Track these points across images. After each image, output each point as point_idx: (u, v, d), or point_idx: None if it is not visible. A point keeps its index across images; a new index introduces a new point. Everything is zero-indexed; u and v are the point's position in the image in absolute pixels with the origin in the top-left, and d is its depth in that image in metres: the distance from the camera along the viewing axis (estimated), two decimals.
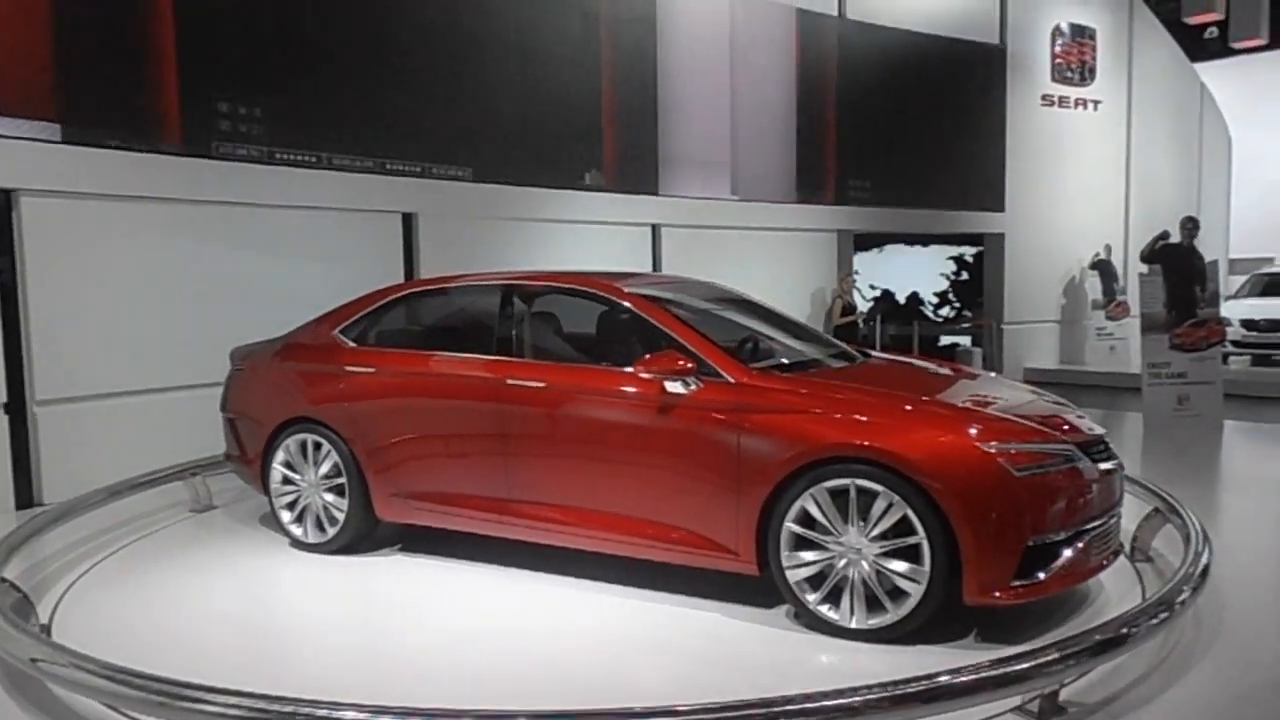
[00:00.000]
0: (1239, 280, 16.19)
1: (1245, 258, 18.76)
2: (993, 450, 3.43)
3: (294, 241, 7.43)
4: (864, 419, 3.60)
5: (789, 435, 3.63)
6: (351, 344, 4.97)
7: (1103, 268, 14.88)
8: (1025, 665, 2.77)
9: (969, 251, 13.49)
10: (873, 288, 12.88)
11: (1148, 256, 8.56)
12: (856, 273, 12.38)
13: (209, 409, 5.59)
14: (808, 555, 3.59)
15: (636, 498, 4.00)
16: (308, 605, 4.35)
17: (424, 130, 8.15)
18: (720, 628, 3.74)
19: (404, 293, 5.25)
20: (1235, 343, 13.50)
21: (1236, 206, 19.22)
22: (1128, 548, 4.44)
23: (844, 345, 4.81)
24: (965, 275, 13.50)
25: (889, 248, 12.89)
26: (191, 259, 6.86)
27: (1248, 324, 13.63)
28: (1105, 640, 2.95)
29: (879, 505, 3.45)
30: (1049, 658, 2.79)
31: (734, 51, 10.71)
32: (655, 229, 10.04)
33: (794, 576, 3.62)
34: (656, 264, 10.02)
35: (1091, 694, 3.02)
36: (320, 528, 4.82)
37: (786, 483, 3.60)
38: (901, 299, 13.18)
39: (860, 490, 3.47)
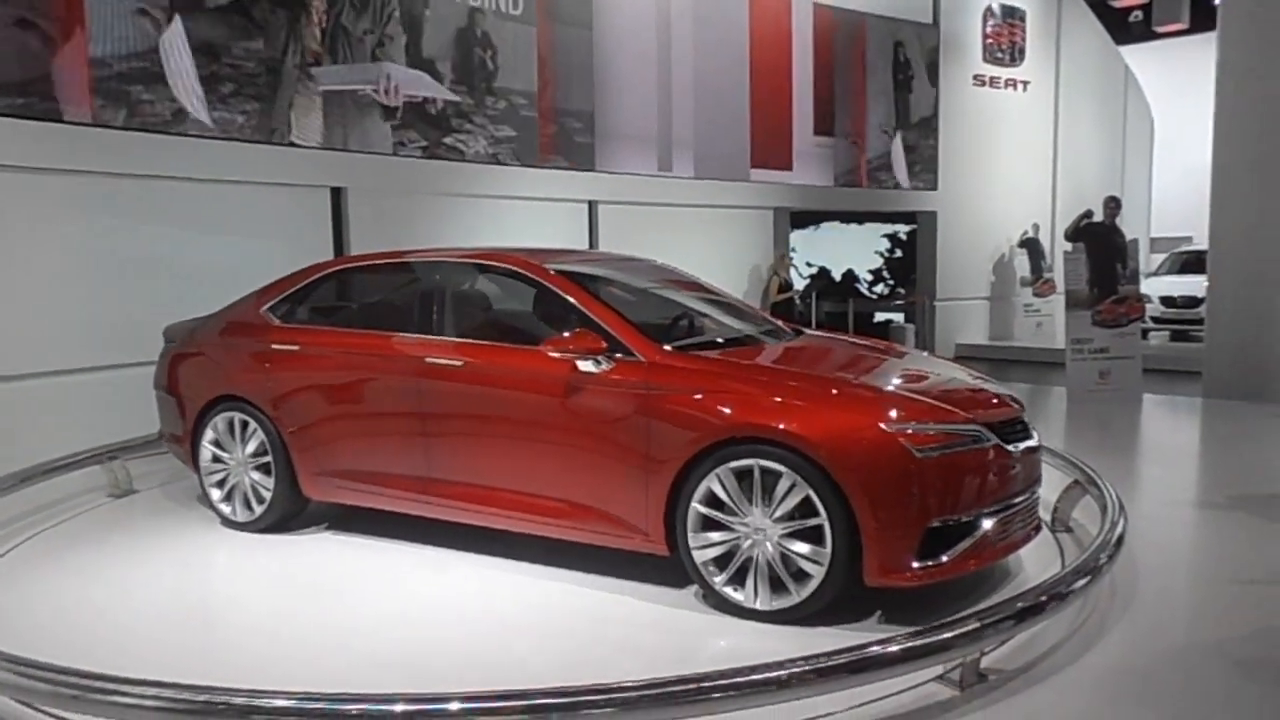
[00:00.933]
0: (1160, 258, 16.74)
1: (1166, 236, 19.40)
2: (894, 430, 3.38)
3: (215, 217, 7.20)
4: (769, 399, 3.55)
5: (695, 415, 3.59)
6: (278, 321, 4.90)
7: (1031, 246, 15.24)
8: (949, 634, 2.83)
9: (903, 229, 13.69)
10: (809, 265, 13.00)
11: (1072, 235, 8.77)
12: (793, 250, 12.48)
13: (129, 389, 5.41)
14: (714, 536, 3.55)
15: (550, 478, 3.97)
16: (228, 590, 4.25)
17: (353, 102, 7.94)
18: (622, 609, 3.68)
19: (331, 269, 5.16)
20: (1155, 319, 13.98)
21: (1158, 187, 19.84)
22: (1048, 519, 4.58)
23: (776, 322, 4.80)
24: (899, 253, 13.69)
25: (825, 225, 13.00)
26: (110, 235, 6.61)
27: (1166, 301, 14.11)
28: (1026, 608, 3.03)
29: (782, 486, 3.41)
30: (971, 626, 2.86)
31: (674, 26, 10.65)
32: (592, 205, 9.97)
33: (700, 557, 3.58)
34: (594, 241, 9.97)
35: (1011, 661, 3.10)
36: (248, 506, 4.78)
37: (693, 463, 3.56)
38: (837, 276, 13.32)
39: (764, 471, 3.44)
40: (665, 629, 3.53)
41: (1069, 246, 8.76)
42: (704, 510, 3.55)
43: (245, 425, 4.77)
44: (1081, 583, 3.25)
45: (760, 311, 4.94)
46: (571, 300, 4.11)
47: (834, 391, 3.68)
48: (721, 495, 3.52)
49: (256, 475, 4.74)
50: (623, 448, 3.74)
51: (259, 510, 4.75)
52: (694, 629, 3.53)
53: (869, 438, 3.37)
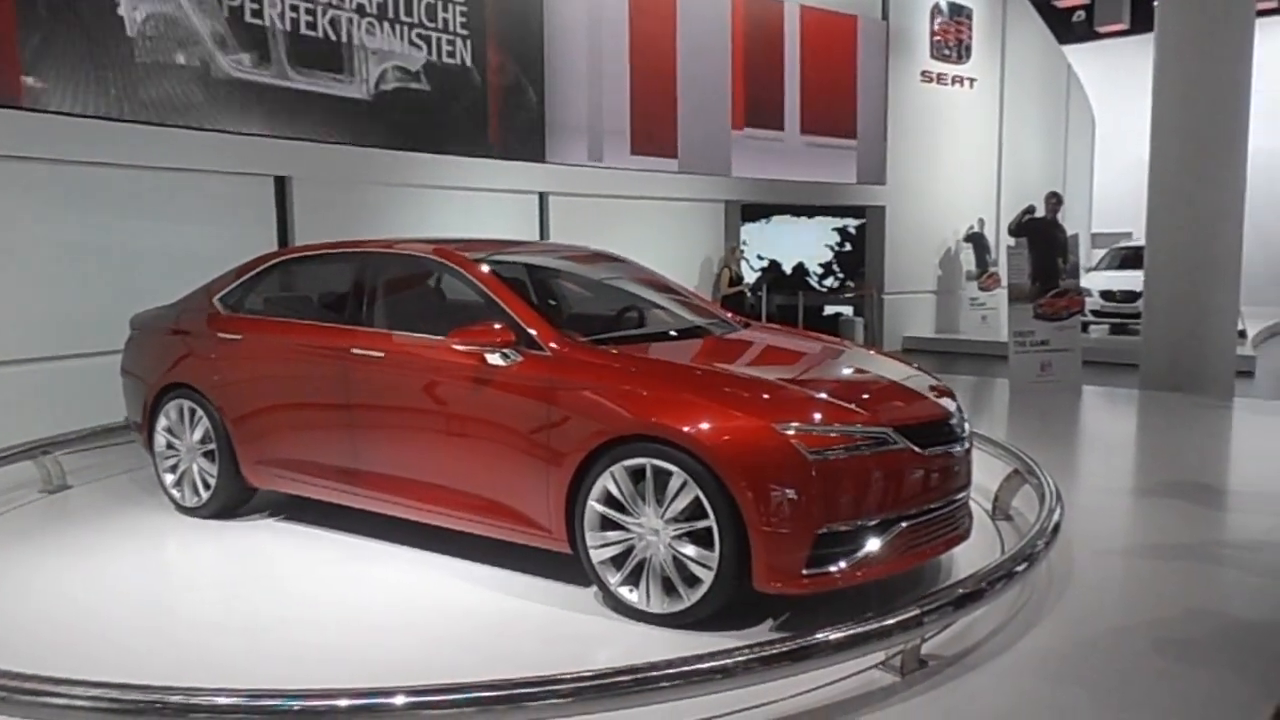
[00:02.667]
0: (1100, 254, 17.17)
1: (1106, 232, 19.90)
2: (786, 431, 3.24)
3: (154, 205, 7.04)
4: (665, 396, 3.44)
5: (591, 412, 3.53)
6: (225, 311, 4.95)
7: (976, 240, 15.52)
8: (890, 621, 2.87)
9: (852, 223, 13.84)
10: (760, 258, 13.09)
11: (1015, 230, 8.95)
12: (744, 243, 12.56)
13: (62, 382, 5.27)
14: (611, 535, 3.48)
15: (463, 472, 3.95)
16: (161, 586, 4.15)
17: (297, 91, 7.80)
18: (515, 610, 3.62)
19: (275, 260, 5.18)
20: (1095, 312, 14.32)
21: (1099, 183, 20.33)
22: (989, 507, 4.68)
23: (725, 315, 4.79)
24: (848, 246, 13.85)
25: (775, 219, 13.10)
26: (42, 222, 6.42)
27: (1106, 295, 14.47)
28: (965, 595, 3.09)
29: (673, 486, 3.31)
30: (912, 613, 2.91)
31: (627, 18, 10.62)
32: (543, 197, 9.93)
33: (597, 556, 3.51)
34: (544, 232, 9.94)
35: (951, 647, 3.17)
36: (196, 492, 4.86)
37: (589, 461, 3.49)
38: (788, 269, 13.45)
39: (657, 470, 3.34)
40: (547, 635, 3.41)
41: (1012, 241, 8.93)
42: (601, 509, 3.47)
43: (193, 413, 4.84)
44: (1019, 569, 3.33)
45: (712, 304, 4.94)
46: (487, 291, 4.05)
47: (730, 389, 3.53)
48: (616, 494, 3.43)
49: (203, 462, 4.81)
50: (527, 443, 3.68)
51: (205, 496, 4.81)
52: (577, 634, 3.40)
53: (758, 438, 3.24)
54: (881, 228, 14.13)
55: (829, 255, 13.77)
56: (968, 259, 15.64)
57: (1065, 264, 8.71)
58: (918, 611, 2.92)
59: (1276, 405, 8.84)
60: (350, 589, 3.94)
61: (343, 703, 2.46)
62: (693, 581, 3.31)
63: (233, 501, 4.83)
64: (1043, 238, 8.78)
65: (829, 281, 13.80)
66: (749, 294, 12.25)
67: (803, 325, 12.36)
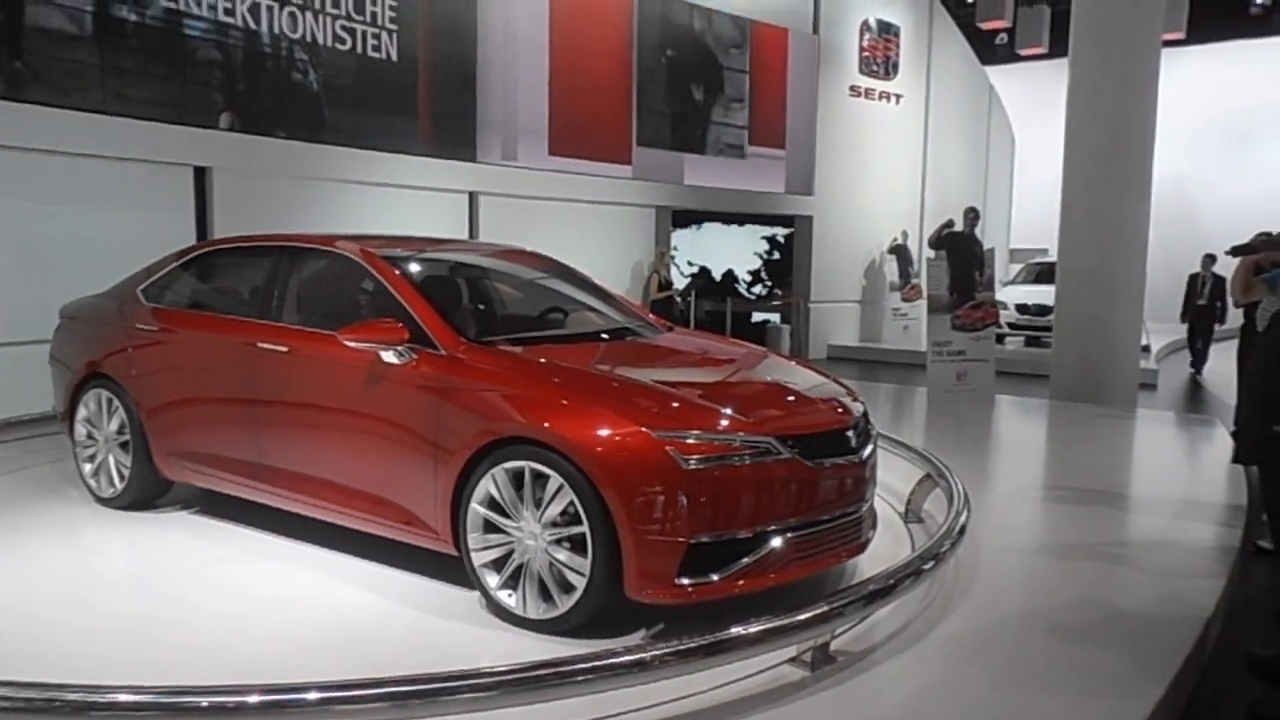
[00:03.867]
0: (1017, 268, 17.78)
1: (1024, 248, 20.61)
2: (661, 438, 3.18)
3: (67, 193, 6.81)
4: (547, 399, 3.41)
5: (475, 413, 3.49)
6: (146, 303, 4.92)
7: (899, 252, 15.95)
8: (803, 616, 2.95)
9: (781, 232, 14.09)
10: (690, 264, 13.24)
11: (935, 243, 9.22)
12: (675, 249, 12.69)
13: None
14: (493, 538, 3.44)
15: (357, 470, 3.90)
16: (44, 580, 3.98)
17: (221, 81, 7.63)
18: (388, 611, 3.58)
19: (196, 252, 5.12)
20: (1011, 325, 14.81)
21: (1018, 201, 21.07)
22: (902, 510, 4.83)
23: (648, 319, 4.78)
24: (777, 255, 14.10)
25: (706, 226, 13.27)
26: None
27: (1021, 308, 14.98)
28: (874, 591, 3.19)
29: (550, 490, 3.27)
30: (822, 609, 2.99)
31: (556, 20, 10.64)
32: (473, 196, 9.88)
33: (479, 560, 3.47)
34: (474, 232, 9.89)
35: (860, 643, 3.27)
36: (112, 483, 4.84)
37: (474, 462, 3.45)
38: (717, 276, 13.63)
39: (536, 474, 3.31)
40: (410, 642, 3.35)
41: (932, 254, 9.20)
42: (483, 511, 3.44)
43: (111, 403, 4.82)
44: (926, 567, 3.45)
45: (636, 308, 4.96)
46: (387, 287, 4.00)
47: (613, 394, 3.49)
48: (497, 497, 3.41)
49: (119, 453, 4.79)
50: (418, 443, 3.64)
51: (120, 487, 4.79)
52: (439, 642, 3.32)
53: (633, 444, 3.18)
54: (809, 237, 14.42)
55: (758, 263, 14.01)
56: (891, 270, 16.06)
57: (982, 277, 9.01)
58: (827, 608, 3.00)
59: (1176, 416, 9.29)
60: (229, 587, 3.87)
61: (253, 699, 2.42)
62: (568, 588, 3.26)
63: (148, 493, 4.80)
64: (961, 251, 9.07)
65: (757, 289, 14.03)
66: (678, 299, 12.37)
67: (730, 332, 12.53)
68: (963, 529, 3.83)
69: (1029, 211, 20.99)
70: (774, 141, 13.78)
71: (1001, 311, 13.10)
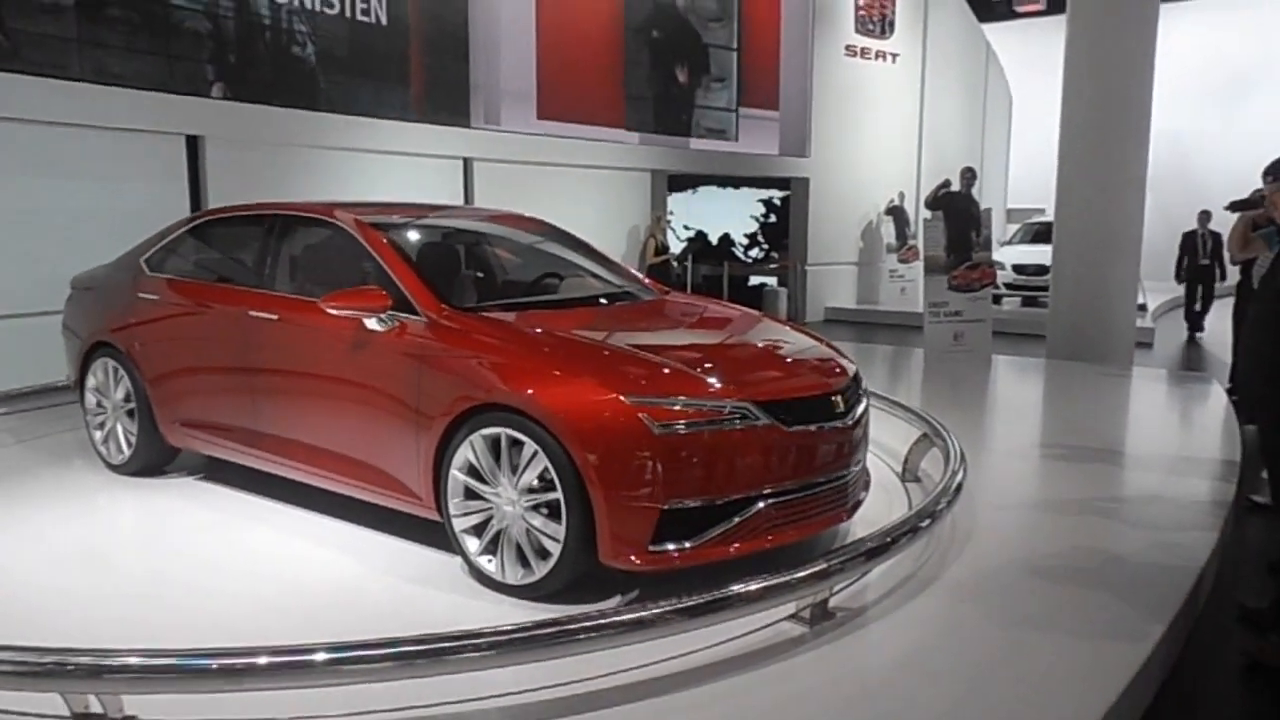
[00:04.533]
0: (1014, 228, 17.73)
1: (1021, 208, 20.53)
2: (634, 403, 3.16)
3: (60, 164, 6.77)
4: (525, 366, 3.40)
5: (454, 380, 3.50)
6: (150, 271, 4.96)
7: (896, 214, 15.90)
8: (802, 574, 3.00)
9: (777, 195, 14.04)
10: (686, 228, 13.20)
11: (931, 203, 9.20)
12: (671, 213, 12.64)
13: None
14: (473, 504, 3.45)
15: (345, 436, 3.94)
16: (57, 552, 4.01)
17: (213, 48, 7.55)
18: (365, 577, 3.61)
19: (195, 221, 5.16)
20: (1008, 285, 14.81)
21: (1015, 160, 20.94)
22: (899, 469, 4.87)
23: (643, 284, 4.76)
24: (773, 218, 14.06)
25: (703, 189, 13.21)
26: None
27: (1018, 268, 14.98)
28: (872, 549, 3.23)
29: (525, 456, 3.28)
30: (821, 567, 3.04)
31: None
32: (467, 162, 9.82)
33: (460, 525, 3.48)
34: (469, 198, 9.85)
35: (860, 599, 3.32)
36: (120, 450, 4.92)
37: (454, 428, 3.46)
38: (714, 240, 13.59)
39: (512, 441, 3.30)
40: (384, 609, 3.34)
41: (929, 215, 9.19)
42: (463, 478, 3.45)
43: (117, 371, 4.89)
44: (923, 525, 3.49)
45: (632, 273, 4.95)
46: (373, 254, 3.99)
47: (588, 360, 3.47)
48: (475, 463, 3.41)
49: (126, 421, 4.87)
50: (401, 409, 3.65)
51: (128, 454, 4.86)
52: (430, 607, 3.30)
53: (605, 410, 3.17)
54: (805, 200, 14.36)
55: (754, 227, 13.97)
56: (888, 232, 16.01)
57: (978, 237, 9.00)
58: (826, 565, 3.05)
59: (1172, 374, 9.33)
60: (212, 553, 3.90)
61: (262, 660, 2.47)
62: (544, 554, 3.27)
63: (155, 460, 4.87)
64: (957, 212, 9.05)
65: (754, 252, 14.01)
66: (675, 264, 12.35)
67: (727, 296, 12.53)
68: (959, 487, 3.87)
69: (1027, 171, 20.87)
70: (768, 103, 13.67)
71: (998, 272, 13.10)
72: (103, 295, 5.11)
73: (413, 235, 4.39)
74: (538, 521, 3.28)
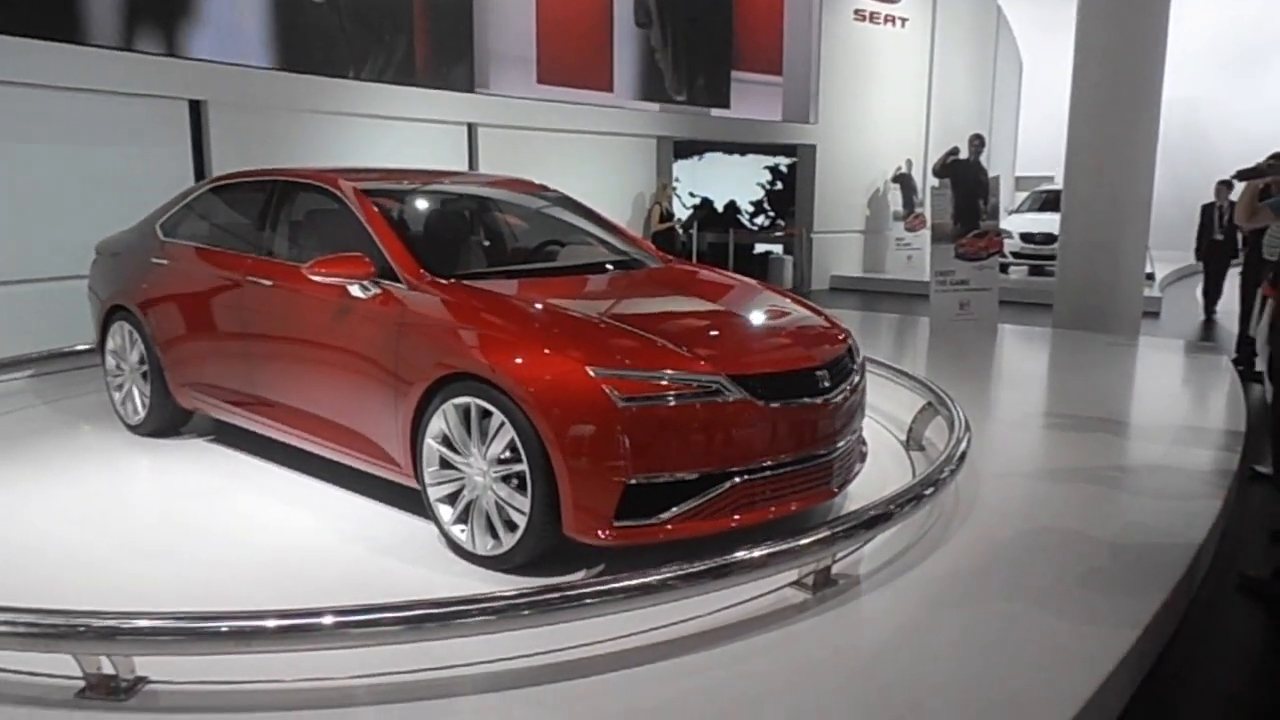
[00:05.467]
0: (1023, 196, 17.59)
1: (1029, 175, 20.35)
2: (599, 375, 3.10)
3: (59, 129, 6.74)
4: (495, 335, 3.36)
5: (428, 349, 3.48)
6: (163, 237, 5.03)
7: (903, 181, 15.77)
8: (806, 541, 3.01)
9: (783, 162, 13.93)
10: (692, 195, 13.12)
11: (939, 171, 9.12)
12: (676, 180, 12.56)
13: None
14: (447, 474, 3.43)
15: (332, 402, 3.96)
16: (91, 523, 4.07)
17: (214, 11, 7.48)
18: (334, 546, 3.60)
19: (205, 187, 5.19)
20: (1015, 254, 14.71)
21: (1025, 128, 20.75)
22: (903, 438, 4.88)
23: (642, 251, 4.69)
24: (779, 185, 13.96)
25: (708, 156, 13.11)
26: None
27: (1026, 237, 14.87)
28: (874, 516, 3.24)
29: (492, 426, 3.24)
30: (824, 534, 3.05)
31: None
32: (471, 128, 9.76)
33: (434, 494, 3.47)
34: (473, 164, 9.79)
35: (864, 566, 3.35)
36: (136, 410, 5.05)
37: (427, 396, 3.44)
38: (720, 207, 13.51)
39: (482, 411, 3.26)
40: (351, 579, 3.31)
41: (936, 182, 9.12)
42: (436, 446, 3.43)
43: (132, 334, 5.00)
44: (926, 493, 3.50)
45: (636, 240, 4.90)
46: (361, 220, 3.99)
47: (556, 330, 3.39)
48: (447, 432, 3.39)
49: (141, 383, 4.99)
50: (383, 375, 3.65)
51: (143, 414, 4.98)
52: (372, 580, 3.28)
53: (569, 381, 3.11)
54: (812, 167, 14.25)
55: (760, 194, 13.88)
56: (895, 199, 15.90)
57: (986, 205, 8.94)
58: (829, 532, 3.06)
59: (1178, 343, 9.31)
60: (195, 518, 3.93)
61: (270, 623, 2.50)
62: (512, 526, 3.24)
63: (168, 421, 4.96)
64: (965, 179, 8.98)
65: (760, 220, 13.93)
66: (680, 231, 12.29)
67: (733, 263, 12.49)
68: (963, 456, 3.88)
69: (1036, 138, 20.68)
70: (770, 68, 13.51)
71: (1006, 240, 13.02)
72: (121, 259, 5.21)
73: (405, 202, 4.39)
74: (505, 493, 3.24)
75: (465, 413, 3.34)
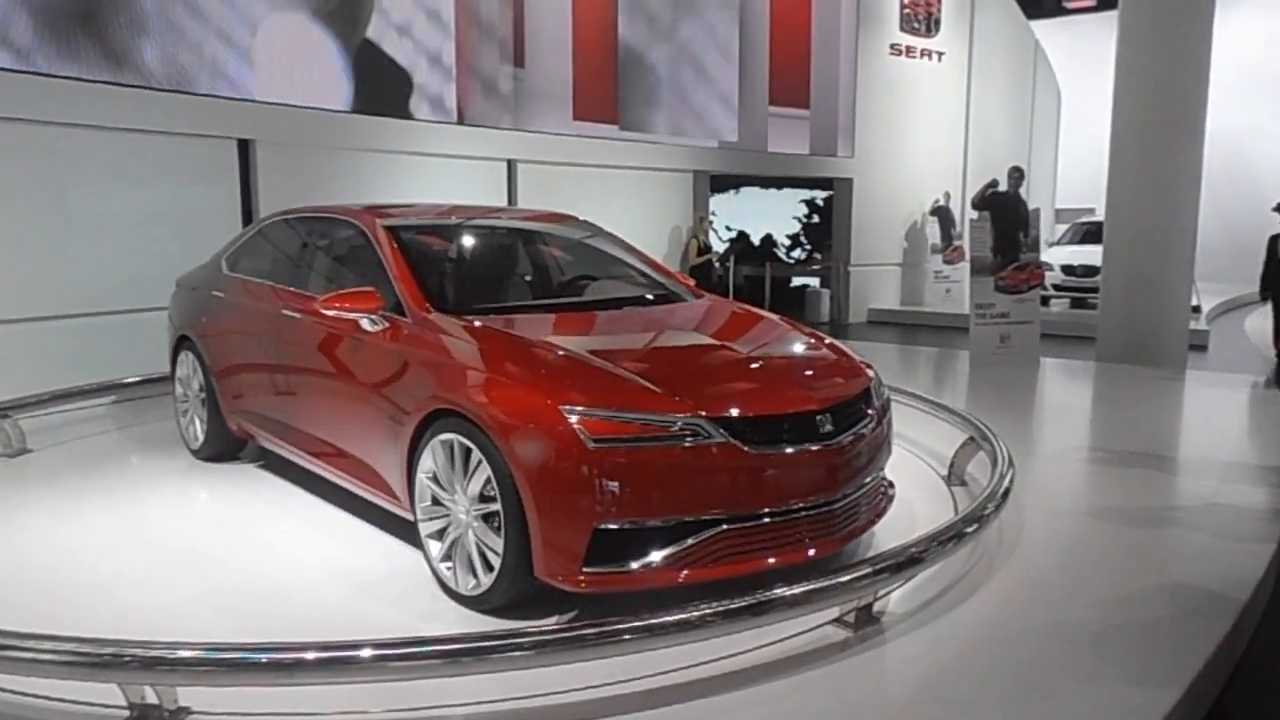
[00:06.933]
0: (1063, 229, 17.41)
1: (1070, 208, 20.16)
2: (571, 415, 3.00)
3: (114, 169, 6.94)
4: (480, 372, 3.36)
5: (423, 382, 3.50)
6: (226, 270, 5.24)
7: (941, 214, 15.69)
8: (845, 578, 2.97)
9: (820, 195, 13.93)
10: (728, 229, 13.16)
11: (978, 203, 9.08)
12: (713, 213, 12.61)
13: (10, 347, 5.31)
14: (436, 509, 3.42)
15: (347, 434, 4.02)
16: (115, 550, 4.07)
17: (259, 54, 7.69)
18: (325, 581, 3.59)
19: (265, 222, 5.39)
20: (1056, 286, 14.54)
21: (1064, 160, 20.57)
22: (945, 473, 4.81)
23: (683, 286, 4.64)
24: (816, 218, 13.97)
25: (745, 190, 13.16)
26: None
27: (1067, 269, 14.70)
28: (917, 554, 3.19)
29: (472, 464, 3.21)
30: (865, 571, 3.01)
31: None
32: (511, 164, 9.89)
33: (424, 530, 3.46)
34: (513, 200, 9.91)
35: (905, 604, 3.28)
36: (196, 436, 5.28)
37: (420, 431, 3.45)
38: (756, 240, 13.54)
39: (464, 448, 3.24)
40: (343, 613, 3.31)
41: (975, 215, 9.06)
42: (426, 482, 3.42)
43: (194, 363, 5.24)
44: (969, 530, 3.43)
45: (670, 274, 4.87)
46: (380, 254, 4.08)
47: (536, 369, 3.34)
48: (434, 468, 3.38)
49: (200, 410, 5.22)
50: (387, 408, 3.68)
51: (201, 439, 5.20)
52: (359, 620, 3.24)
53: (540, 419, 3.03)
54: (849, 200, 14.23)
55: (797, 227, 13.89)
56: (933, 232, 15.81)
57: (1026, 238, 8.86)
58: (870, 570, 3.02)
59: (1226, 377, 9.10)
60: (216, 548, 3.97)
61: (310, 655, 2.51)
62: (490, 566, 3.17)
63: (225, 446, 5.15)
64: (1005, 212, 8.92)
65: (796, 253, 13.93)
66: (717, 264, 12.31)
67: (769, 297, 12.47)
68: (1006, 492, 3.81)
69: (1076, 170, 20.50)
70: (798, 101, 13.50)
71: (1047, 273, 12.87)
72: (190, 291, 5.46)
73: (429, 238, 4.48)
74: (483, 531, 3.21)
75: (451, 449, 3.32)
